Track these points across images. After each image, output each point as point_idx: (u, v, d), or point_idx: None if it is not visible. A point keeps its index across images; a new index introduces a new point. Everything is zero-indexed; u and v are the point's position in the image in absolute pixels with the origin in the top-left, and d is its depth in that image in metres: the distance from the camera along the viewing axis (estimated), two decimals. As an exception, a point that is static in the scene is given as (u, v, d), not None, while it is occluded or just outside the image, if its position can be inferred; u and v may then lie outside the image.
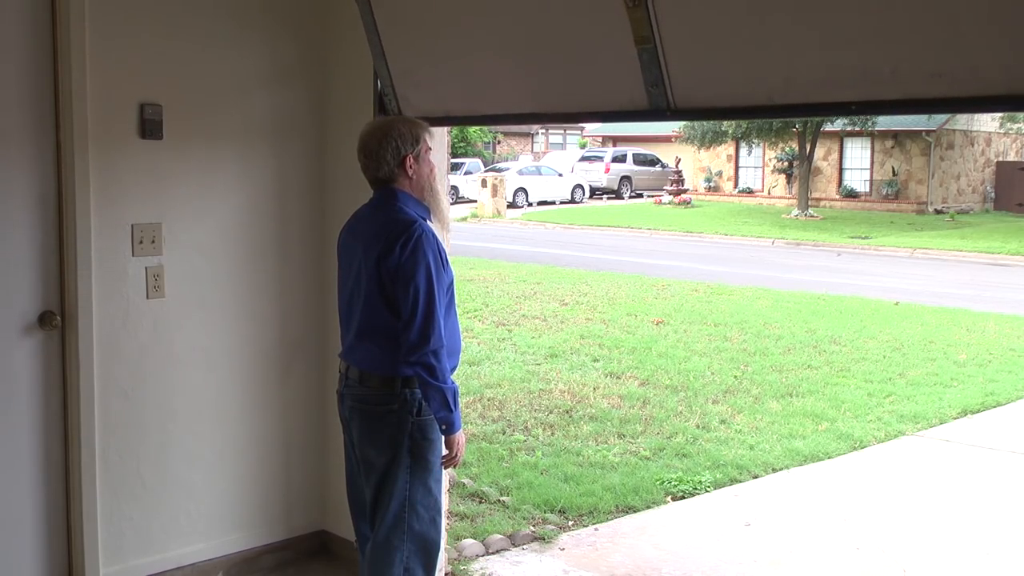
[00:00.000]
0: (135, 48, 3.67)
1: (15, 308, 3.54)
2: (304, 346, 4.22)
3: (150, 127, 3.70)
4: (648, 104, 2.85)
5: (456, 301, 3.22)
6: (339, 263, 3.30)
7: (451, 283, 3.15)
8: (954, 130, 30.29)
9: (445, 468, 3.18)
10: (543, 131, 50.25)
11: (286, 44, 4.07)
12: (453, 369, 3.19)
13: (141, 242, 3.74)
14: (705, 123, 25.57)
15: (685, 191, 31.55)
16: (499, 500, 5.28)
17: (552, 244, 19.71)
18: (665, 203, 30.24)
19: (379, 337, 3.08)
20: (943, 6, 2.27)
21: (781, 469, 6.07)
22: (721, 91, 2.72)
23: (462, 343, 3.24)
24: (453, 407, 3.03)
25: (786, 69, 2.56)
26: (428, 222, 3.12)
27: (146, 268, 3.76)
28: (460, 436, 3.10)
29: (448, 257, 3.15)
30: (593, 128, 40.40)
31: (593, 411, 7.16)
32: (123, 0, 3.64)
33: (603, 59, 2.95)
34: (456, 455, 3.12)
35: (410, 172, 3.12)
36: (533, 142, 50.39)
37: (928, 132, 29.39)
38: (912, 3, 2.32)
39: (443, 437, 3.10)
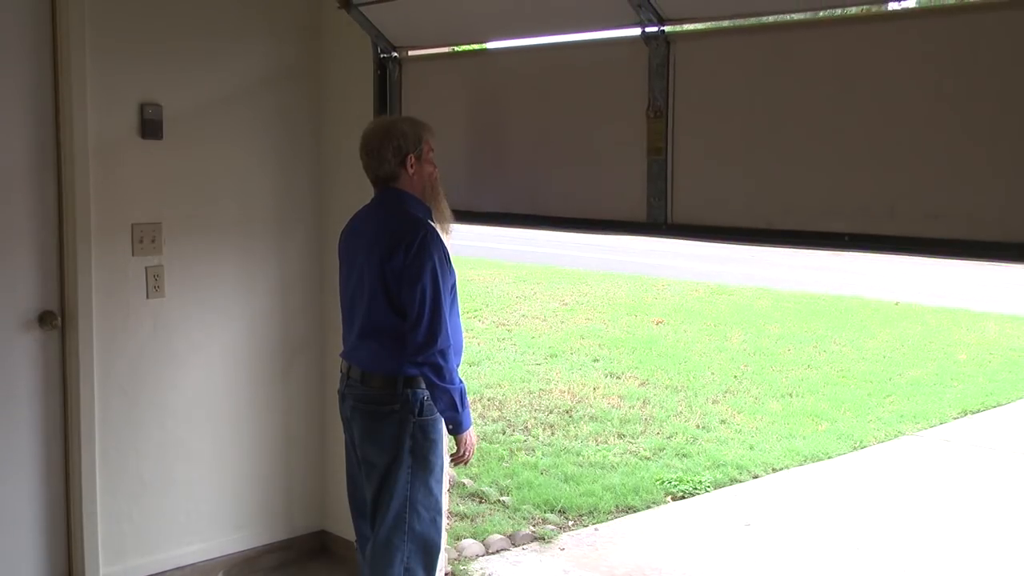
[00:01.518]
0: (135, 48, 3.67)
1: (15, 308, 3.54)
2: (304, 346, 4.22)
3: (150, 127, 3.70)
4: (647, 217, 2.91)
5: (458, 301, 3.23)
6: (340, 263, 3.30)
7: (454, 283, 3.15)
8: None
9: (454, 466, 3.18)
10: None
11: (286, 44, 4.07)
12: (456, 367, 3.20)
13: (141, 242, 3.73)
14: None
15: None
16: (499, 500, 5.28)
17: (552, 244, 19.70)
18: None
19: (381, 337, 3.08)
20: (943, 149, 2.32)
21: (781, 469, 6.06)
22: (721, 211, 2.78)
23: (463, 343, 3.25)
24: (461, 407, 3.03)
25: (787, 197, 2.63)
26: (430, 223, 3.13)
27: (146, 268, 3.76)
28: (470, 435, 3.10)
29: (450, 258, 3.15)
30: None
31: (593, 411, 7.16)
32: (123, 0, 3.64)
33: (611, 166, 3.03)
34: (465, 453, 3.13)
35: (411, 171, 3.11)
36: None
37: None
38: (912, 144, 2.37)
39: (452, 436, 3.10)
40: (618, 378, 8.23)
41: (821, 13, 2.57)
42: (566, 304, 11.91)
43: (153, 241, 3.76)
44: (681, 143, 2.84)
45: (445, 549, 4.15)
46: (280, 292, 4.14)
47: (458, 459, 3.16)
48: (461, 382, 3.06)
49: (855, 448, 6.56)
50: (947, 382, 8.41)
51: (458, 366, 3.15)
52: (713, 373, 8.52)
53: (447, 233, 3.21)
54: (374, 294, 3.07)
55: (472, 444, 3.14)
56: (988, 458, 6.45)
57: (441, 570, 4.04)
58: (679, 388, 7.92)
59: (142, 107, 3.68)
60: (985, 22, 2.24)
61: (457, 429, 3.06)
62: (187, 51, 3.79)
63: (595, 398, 7.55)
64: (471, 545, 4.59)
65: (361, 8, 3.59)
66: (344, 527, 3.82)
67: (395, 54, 3.71)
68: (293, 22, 4.07)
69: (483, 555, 4.54)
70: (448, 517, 4.72)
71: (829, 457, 6.35)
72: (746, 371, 8.63)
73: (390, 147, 3.10)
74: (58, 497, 3.69)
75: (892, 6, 2.50)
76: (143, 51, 3.69)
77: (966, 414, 7.49)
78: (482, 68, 3.45)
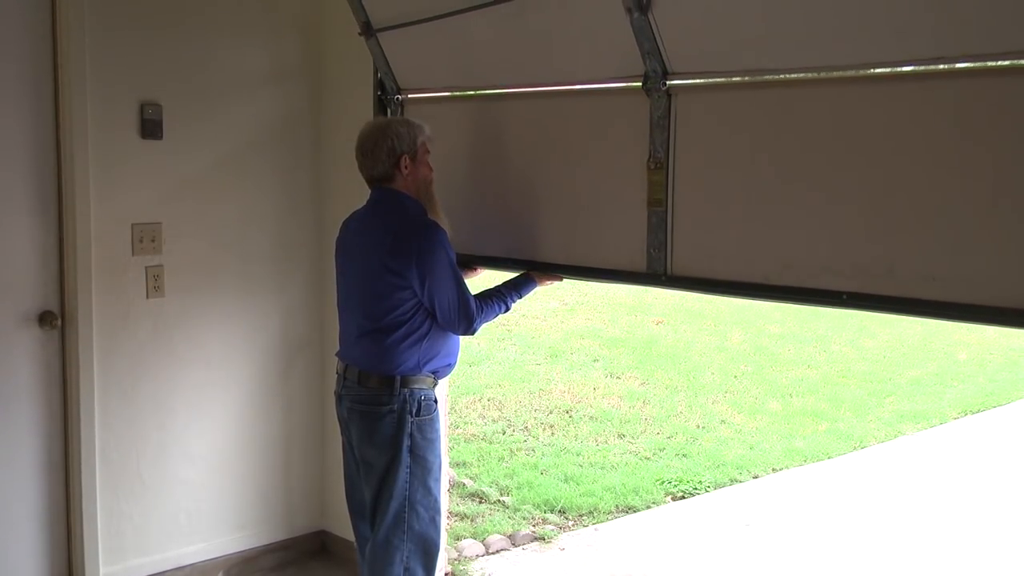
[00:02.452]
0: (135, 48, 3.67)
1: (15, 308, 3.54)
2: (304, 346, 4.22)
3: (150, 127, 3.70)
4: (646, 267, 2.92)
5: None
6: (337, 264, 3.30)
7: None
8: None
9: (548, 283, 3.35)
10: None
11: (286, 44, 4.07)
12: (451, 367, 3.21)
13: (141, 242, 3.73)
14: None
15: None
16: (499, 500, 5.28)
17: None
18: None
19: (380, 336, 3.08)
20: (942, 212, 2.32)
21: (781, 469, 6.07)
22: (720, 264, 2.78)
23: (460, 342, 3.25)
24: (517, 296, 3.25)
25: (786, 253, 2.63)
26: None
27: (146, 268, 3.76)
28: (543, 284, 3.31)
29: None
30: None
31: (593, 411, 7.16)
32: (123, 0, 3.64)
33: (611, 216, 3.03)
34: (550, 282, 3.34)
35: (405, 172, 3.11)
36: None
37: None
38: (912, 206, 2.37)
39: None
40: (618, 378, 8.23)
41: (825, 73, 2.55)
42: (566, 304, 11.91)
43: (153, 241, 3.76)
44: (681, 195, 2.83)
45: (445, 549, 4.15)
46: (280, 292, 4.14)
47: (553, 279, 3.33)
48: (499, 306, 3.21)
49: (855, 448, 6.57)
50: (947, 382, 8.41)
51: (452, 366, 3.21)
52: (713, 373, 8.52)
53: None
54: (375, 293, 3.06)
55: (550, 281, 3.33)
56: (988, 458, 6.45)
57: (441, 570, 4.05)
58: (679, 388, 7.92)
59: (142, 107, 3.68)
60: (986, 87, 2.23)
61: (527, 289, 3.28)
62: (187, 51, 3.79)
63: (595, 398, 7.54)
64: (471, 545, 4.59)
65: (379, 35, 3.60)
66: (344, 527, 3.82)
67: (398, 96, 3.72)
68: (293, 22, 4.07)
69: (483, 555, 4.54)
70: (448, 517, 4.72)
71: (829, 457, 6.35)
72: (746, 371, 8.63)
73: (384, 147, 3.10)
74: (58, 497, 3.69)
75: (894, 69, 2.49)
76: (143, 51, 3.69)
77: (966, 414, 7.49)
78: (484, 112, 3.44)
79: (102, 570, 3.74)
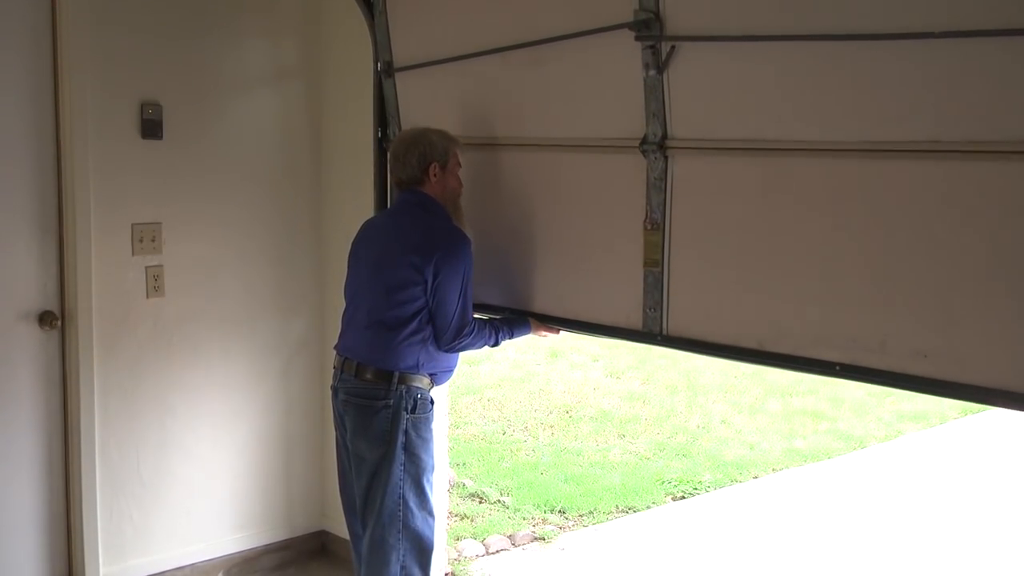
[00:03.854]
0: (135, 48, 3.67)
1: (15, 308, 3.54)
2: (304, 346, 4.22)
3: (150, 127, 3.70)
4: (642, 326, 2.93)
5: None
6: (354, 254, 3.30)
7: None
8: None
9: (546, 335, 3.35)
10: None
11: (286, 44, 4.07)
12: (448, 374, 3.23)
13: (141, 241, 3.73)
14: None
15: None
16: (499, 500, 5.28)
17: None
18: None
19: (385, 331, 3.09)
20: (935, 289, 2.32)
21: (781, 469, 6.06)
22: (714, 328, 2.78)
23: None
24: (496, 339, 3.19)
25: (781, 321, 2.63)
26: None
27: (146, 268, 3.76)
28: (537, 332, 3.29)
29: None
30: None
31: (593, 411, 7.15)
32: (123, 0, 3.63)
33: (610, 275, 3.04)
34: (546, 334, 3.34)
35: (433, 179, 3.15)
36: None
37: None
38: (906, 281, 2.37)
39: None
40: (618, 378, 8.22)
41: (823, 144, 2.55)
42: (566, 304, 11.90)
43: (153, 241, 3.76)
44: (677, 257, 2.84)
45: (445, 549, 4.15)
46: (280, 292, 4.14)
47: (550, 331, 3.32)
48: (492, 337, 3.18)
49: (855, 448, 6.56)
50: (947, 382, 8.39)
51: (450, 373, 3.22)
52: (713, 373, 8.51)
53: None
54: (391, 285, 3.08)
55: (547, 333, 3.32)
56: (988, 458, 6.45)
57: (441, 570, 4.05)
58: (679, 388, 7.91)
59: (142, 107, 3.68)
60: (983, 169, 2.22)
61: (522, 332, 3.26)
62: (187, 51, 3.79)
63: (595, 398, 7.54)
64: (471, 545, 4.59)
65: (397, 74, 3.62)
66: (344, 527, 3.82)
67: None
68: (293, 22, 4.07)
69: (483, 555, 4.54)
70: (448, 517, 4.72)
71: (829, 457, 6.35)
72: (746, 371, 8.62)
73: (415, 153, 3.15)
74: (58, 497, 3.69)
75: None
76: (143, 51, 3.69)
77: (966, 414, 7.48)
78: (484, 160, 3.43)
79: (102, 570, 3.74)
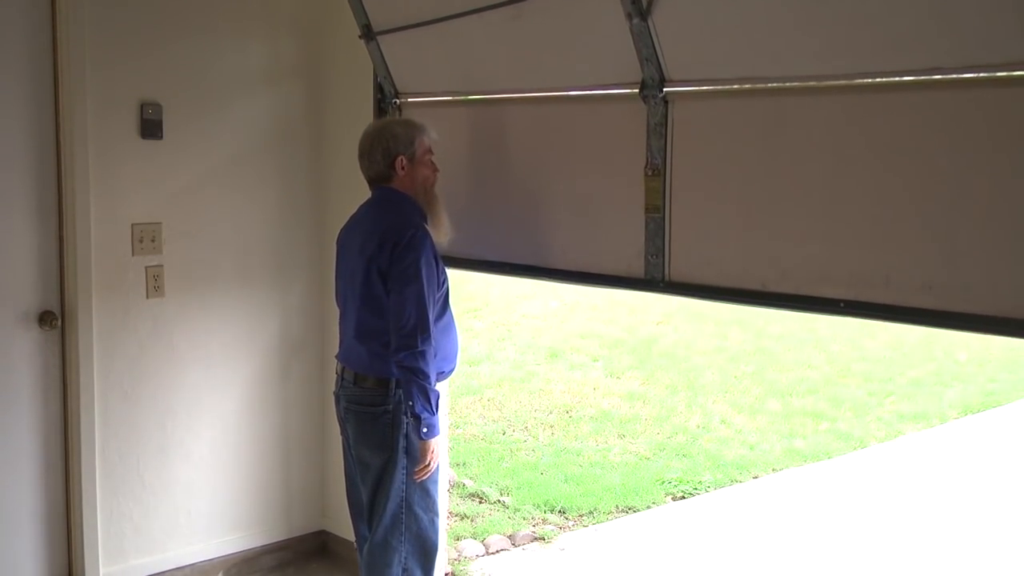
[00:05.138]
0: (135, 48, 3.67)
1: (15, 308, 3.54)
2: (304, 346, 4.22)
3: (150, 127, 3.70)
4: (644, 273, 2.92)
5: (452, 304, 3.21)
6: (336, 262, 3.30)
7: (445, 286, 3.13)
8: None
9: (418, 479, 3.06)
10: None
11: (286, 44, 4.07)
12: (450, 372, 3.20)
13: (141, 242, 3.73)
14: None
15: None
16: (499, 500, 5.28)
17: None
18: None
19: (373, 339, 3.07)
20: (938, 221, 2.33)
21: (781, 469, 6.06)
22: (716, 271, 2.79)
23: (459, 344, 3.24)
24: (435, 410, 2.99)
25: (783, 260, 2.63)
26: (426, 226, 3.10)
27: (146, 268, 3.76)
28: (435, 443, 3.03)
29: (440, 261, 3.14)
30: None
31: (593, 411, 7.15)
32: (123, 1, 3.63)
33: (610, 222, 3.04)
34: (430, 463, 3.05)
35: (402, 173, 3.10)
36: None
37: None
38: (908, 215, 2.38)
39: (419, 443, 3.02)
40: (618, 378, 8.22)
41: (820, 82, 2.55)
42: (566, 304, 11.90)
43: (153, 241, 3.76)
44: (678, 202, 2.84)
45: (445, 549, 4.15)
46: (280, 292, 4.14)
47: (423, 470, 3.04)
48: (436, 390, 3.01)
49: (855, 448, 6.56)
50: (947, 382, 8.41)
51: (452, 371, 3.17)
52: (713, 373, 8.51)
53: (444, 238, 3.19)
54: (364, 295, 3.06)
55: (438, 455, 3.07)
56: (988, 458, 6.45)
57: (441, 570, 4.04)
58: (679, 388, 7.91)
59: (142, 107, 3.68)
60: (982, 98, 2.23)
61: (430, 432, 2.99)
62: (187, 51, 3.79)
63: (595, 398, 7.54)
64: (471, 545, 4.59)
65: (379, 37, 3.60)
66: (344, 527, 3.83)
67: (396, 100, 3.72)
68: (293, 23, 4.07)
69: (483, 555, 4.54)
70: (448, 517, 4.72)
71: (829, 457, 6.35)
72: (746, 371, 8.62)
73: (380, 148, 3.10)
74: (58, 497, 3.69)
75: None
76: (143, 51, 3.69)
77: (966, 414, 7.49)
78: (483, 117, 3.44)
79: (102, 570, 3.74)
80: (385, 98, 3.75)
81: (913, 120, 2.36)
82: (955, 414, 7.46)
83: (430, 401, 2.96)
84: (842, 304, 2.52)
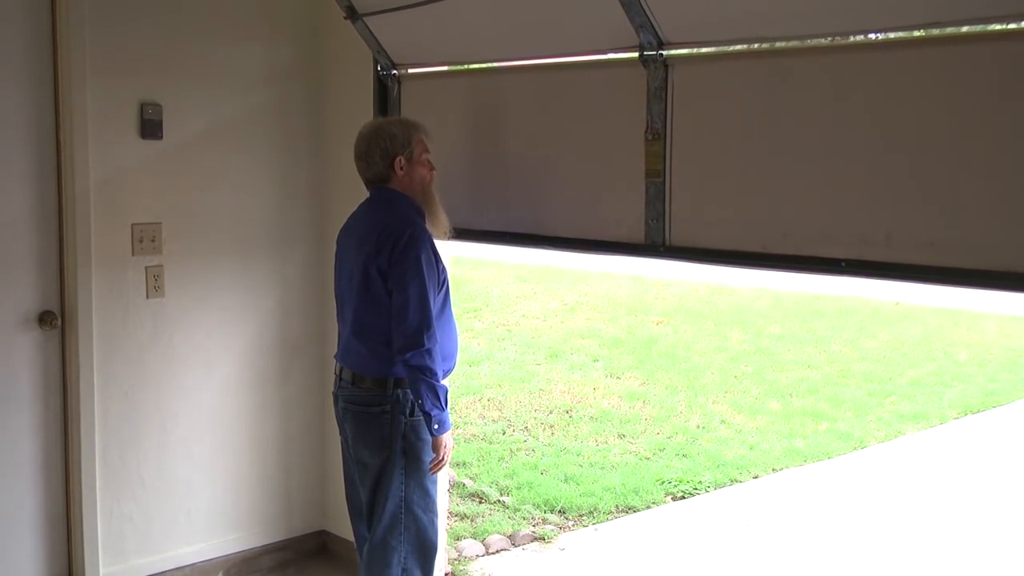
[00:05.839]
0: (135, 48, 3.67)
1: (15, 308, 3.54)
2: (304, 346, 4.22)
3: (150, 127, 3.70)
4: (644, 239, 2.92)
5: (452, 302, 3.21)
6: (335, 263, 3.30)
7: (445, 284, 3.14)
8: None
9: (432, 472, 3.13)
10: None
11: (286, 44, 4.07)
12: (450, 371, 3.19)
13: (141, 242, 3.73)
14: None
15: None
16: (499, 500, 5.28)
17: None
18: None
19: (371, 339, 3.07)
20: (939, 178, 2.33)
21: (781, 469, 6.06)
22: (717, 234, 2.79)
23: (458, 344, 3.23)
24: (444, 405, 3.02)
25: (784, 221, 2.64)
26: (421, 223, 3.11)
27: (146, 268, 3.76)
28: (448, 437, 3.07)
29: (441, 258, 3.14)
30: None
31: (593, 411, 7.15)
32: (123, 1, 3.64)
33: (610, 188, 3.04)
34: (443, 457, 3.09)
35: (400, 173, 3.10)
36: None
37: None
38: (909, 172, 2.38)
39: (432, 438, 3.06)
40: (618, 378, 8.22)
41: (822, 40, 2.56)
42: (566, 304, 11.91)
43: (153, 241, 3.76)
44: (679, 166, 2.84)
45: (445, 549, 4.15)
46: (280, 292, 4.14)
47: (437, 464, 3.09)
48: (444, 385, 3.04)
49: (855, 448, 6.56)
50: (947, 382, 8.41)
51: (451, 370, 3.15)
52: (713, 373, 8.51)
53: (442, 236, 3.19)
54: (362, 295, 3.06)
55: (451, 448, 3.11)
56: (988, 458, 6.45)
57: (441, 570, 4.04)
58: (679, 388, 7.91)
59: (142, 107, 3.68)
60: (982, 53, 2.24)
61: (442, 428, 3.02)
62: (187, 52, 3.79)
63: (595, 398, 7.54)
64: (471, 545, 4.59)
65: (365, 18, 3.59)
66: (343, 527, 3.82)
67: (395, 71, 3.71)
68: (293, 23, 4.07)
69: (483, 555, 4.54)
70: (448, 517, 4.72)
71: (829, 457, 6.35)
72: (746, 371, 8.63)
73: (377, 149, 3.09)
74: (58, 497, 3.69)
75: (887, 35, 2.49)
76: (143, 51, 3.69)
77: (966, 414, 7.49)
78: (482, 87, 3.44)
79: (102, 570, 3.74)
80: (383, 70, 3.71)
81: (913, 77, 2.36)
82: (955, 414, 7.46)
83: (439, 397, 2.98)
84: (843, 264, 2.52)
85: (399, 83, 3.73)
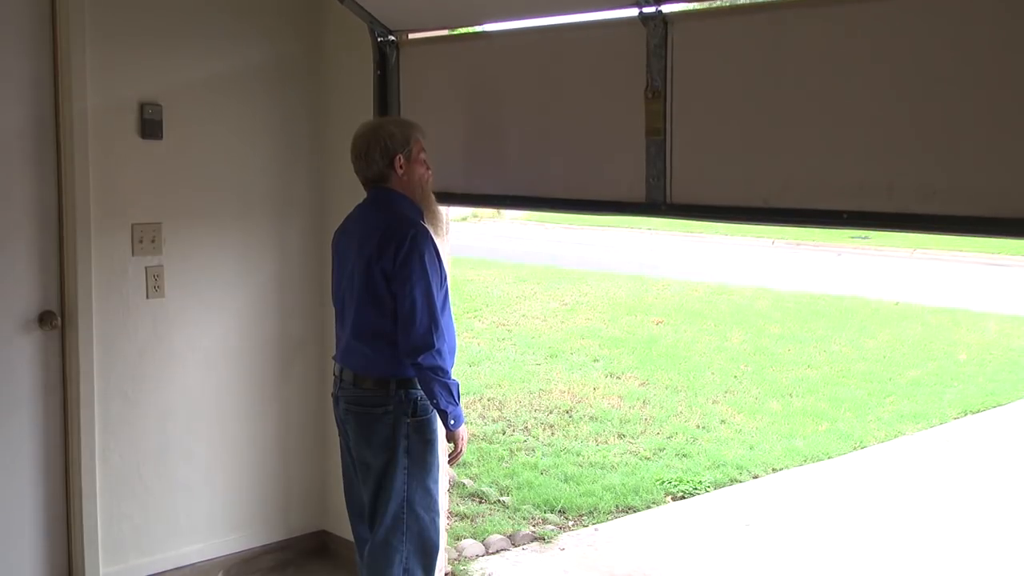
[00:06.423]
0: (135, 48, 3.67)
1: (15, 308, 3.54)
2: (304, 346, 4.22)
3: (150, 127, 3.70)
4: (645, 197, 2.92)
5: (452, 301, 3.21)
6: (333, 263, 3.30)
7: (446, 282, 3.14)
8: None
9: (452, 464, 3.19)
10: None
11: (286, 44, 4.07)
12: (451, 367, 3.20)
13: (141, 242, 3.73)
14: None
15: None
16: (499, 500, 5.28)
17: (552, 244, 19.70)
18: (665, 203, 30.21)
19: (373, 340, 3.07)
20: (939, 126, 2.34)
21: (781, 469, 6.06)
22: (718, 190, 2.79)
23: (456, 342, 3.24)
24: (457, 400, 3.05)
25: (785, 175, 2.64)
26: (422, 223, 3.11)
27: (146, 268, 3.76)
28: (464, 430, 3.11)
29: (442, 258, 3.14)
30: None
31: (593, 411, 7.15)
32: (123, 0, 3.64)
33: (610, 148, 3.03)
34: (461, 450, 3.13)
35: (400, 172, 3.10)
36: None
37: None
38: (910, 121, 2.39)
39: (447, 432, 3.11)
40: (618, 378, 8.23)
41: None
42: (566, 304, 11.91)
43: (153, 241, 3.76)
44: (679, 124, 2.83)
45: (445, 549, 4.15)
46: (280, 292, 4.14)
47: (455, 457, 3.15)
48: (455, 379, 3.08)
49: (855, 448, 6.56)
50: (947, 382, 8.41)
51: (452, 367, 3.15)
52: (713, 373, 8.51)
53: (442, 235, 3.20)
54: (364, 296, 3.06)
55: (466, 441, 3.17)
56: (988, 458, 6.45)
57: (441, 570, 4.04)
58: (679, 388, 7.92)
59: (142, 107, 3.68)
60: (983, 1, 2.25)
61: (457, 423, 3.07)
62: (187, 51, 3.79)
63: (595, 398, 7.54)
64: (471, 545, 4.59)
65: None
66: (343, 527, 3.82)
67: (392, 37, 3.68)
68: (292, 22, 4.07)
69: (483, 555, 4.54)
70: (448, 517, 4.72)
71: (829, 457, 6.35)
72: (746, 371, 8.63)
73: (377, 148, 3.09)
74: (58, 497, 3.69)
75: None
76: (143, 51, 3.69)
77: (966, 414, 7.48)
78: (480, 51, 3.42)
79: (102, 570, 3.74)
80: (380, 37, 3.68)
81: (913, 24, 2.36)
82: (955, 414, 7.45)
83: (452, 394, 3.03)
84: (845, 216, 2.53)
85: (398, 50, 3.69)
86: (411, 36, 3.69)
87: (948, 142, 2.33)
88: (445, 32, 3.63)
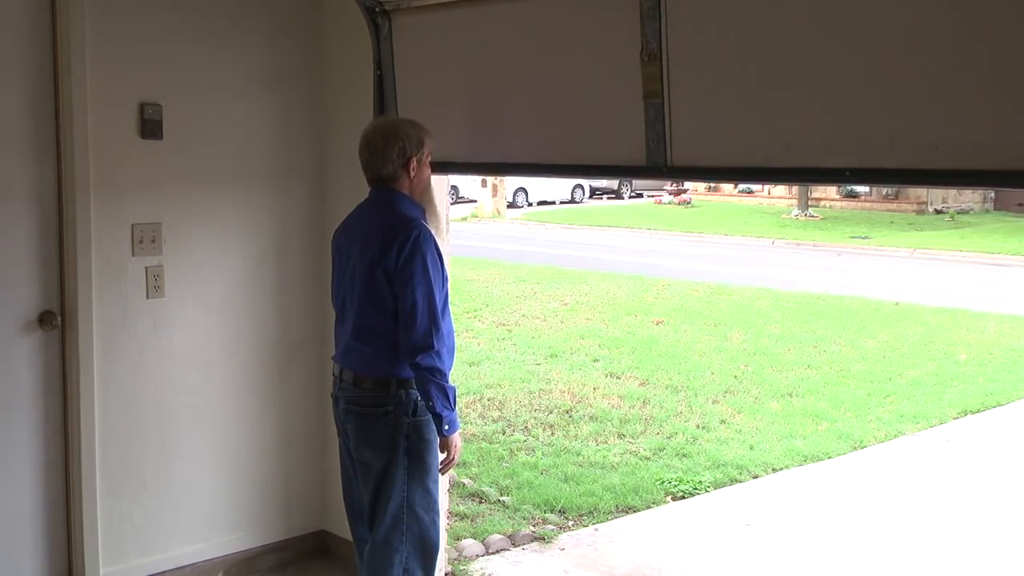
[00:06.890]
0: (135, 48, 3.67)
1: (15, 308, 3.54)
2: (304, 346, 4.22)
3: (150, 127, 3.70)
4: (646, 160, 2.89)
5: (451, 301, 3.21)
6: (333, 262, 3.29)
7: (446, 284, 3.14)
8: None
9: (443, 472, 3.16)
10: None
11: (286, 43, 4.07)
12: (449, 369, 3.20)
13: (141, 242, 3.73)
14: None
15: (685, 191, 31.49)
16: (499, 500, 5.28)
17: (552, 244, 19.71)
18: (665, 203, 30.21)
19: (374, 340, 3.07)
20: (941, 80, 2.32)
21: (781, 469, 6.07)
22: (719, 152, 2.77)
23: (455, 342, 3.23)
24: (453, 405, 3.03)
25: (786, 134, 2.62)
26: (424, 223, 3.11)
27: (146, 268, 3.76)
28: (457, 437, 3.09)
29: (443, 259, 3.14)
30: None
31: (593, 411, 7.16)
32: (123, 1, 3.64)
33: (608, 113, 3.01)
34: (453, 457, 3.11)
35: (412, 174, 3.11)
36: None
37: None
38: (911, 76, 2.37)
39: (441, 439, 3.08)
40: (618, 378, 8.23)
41: None
42: (566, 304, 11.91)
43: (153, 241, 3.76)
44: (676, 85, 2.80)
45: (445, 549, 4.15)
46: (280, 292, 4.14)
47: (448, 464, 3.13)
48: (453, 384, 3.06)
49: (855, 448, 6.56)
50: (947, 382, 8.41)
51: (450, 368, 3.16)
52: (713, 373, 8.52)
53: (441, 235, 3.21)
54: (366, 296, 3.06)
55: (460, 447, 3.13)
56: (988, 458, 6.45)
57: (441, 570, 4.04)
58: (679, 388, 7.92)
59: (142, 107, 3.68)
60: None
61: (451, 428, 3.04)
62: (187, 51, 3.79)
63: (595, 398, 7.54)
64: (471, 545, 4.59)
65: None
66: (343, 527, 3.81)
67: (384, 5, 3.64)
68: (292, 21, 4.07)
69: (483, 555, 4.54)
70: (448, 517, 4.72)
71: (829, 457, 6.35)
72: (746, 371, 8.63)
73: (395, 148, 3.08)
74: (58, 497, 3.69)
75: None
76: (143, 51, 3.69)
77: (966, 414, 7.49)
78: (473, 18, 3.39)
79: (102, 570, 3.74)
80: (370, 6, 3.64)
81: None
82: (954, 414, 7.46)
83: (448, 398, 3.00)
84: (848, 173, 2.53)
85: (390, 21, 3.64)
86: (401, 5, 3.62)
87: (948, 95, 2.31)
88: (436, 0, 3.58)
